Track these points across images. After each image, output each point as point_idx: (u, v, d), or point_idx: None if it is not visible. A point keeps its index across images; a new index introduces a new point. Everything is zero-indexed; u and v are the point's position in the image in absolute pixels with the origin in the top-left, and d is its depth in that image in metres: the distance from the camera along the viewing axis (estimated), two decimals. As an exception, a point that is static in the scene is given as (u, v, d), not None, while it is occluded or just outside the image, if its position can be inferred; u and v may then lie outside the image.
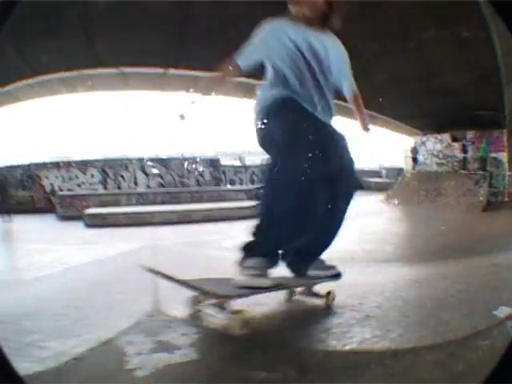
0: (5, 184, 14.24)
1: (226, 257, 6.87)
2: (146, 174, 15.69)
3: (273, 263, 2.54)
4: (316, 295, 2.74)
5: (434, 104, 12.50)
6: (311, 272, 2.63)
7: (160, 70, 13.39)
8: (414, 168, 16.67)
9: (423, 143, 16.27)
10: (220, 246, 7.71)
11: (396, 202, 14.34)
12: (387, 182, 18.02)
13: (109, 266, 6.78)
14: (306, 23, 2.47)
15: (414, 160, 16.59)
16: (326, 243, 2.69)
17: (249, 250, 2.47)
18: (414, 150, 16.56)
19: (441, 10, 8.75)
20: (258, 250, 2.45)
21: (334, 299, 2.67)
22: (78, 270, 6.25)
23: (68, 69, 12.99)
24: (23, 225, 11.67)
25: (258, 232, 2.50)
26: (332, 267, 2.67)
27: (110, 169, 15.65)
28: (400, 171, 17.65)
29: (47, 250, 8.34)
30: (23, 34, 9.85)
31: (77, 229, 11.41)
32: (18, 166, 15.87)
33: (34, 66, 12.44)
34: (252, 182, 16.23)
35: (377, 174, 20.02)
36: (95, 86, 14.48)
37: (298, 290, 2.83)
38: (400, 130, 16.94)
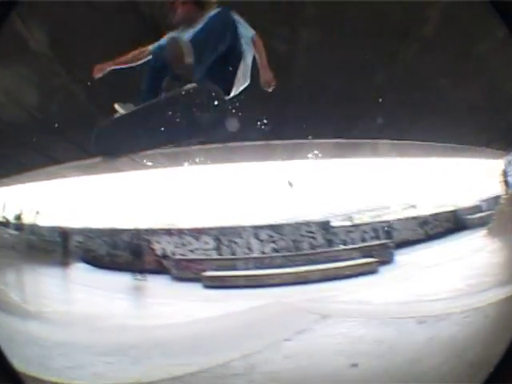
0: (140, 245, 15.90)
1: (342, 308, 7.27)
2: (260, 240, 16.07)
3: None
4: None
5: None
6: None
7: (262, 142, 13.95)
8: (506, 192, 15.09)
9: (510, 162, 14.86)
10: (336, 300, 8.30)
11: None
12: (488, 215, 16.98)
13: (237, 319, 7.61)
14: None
15: (506, 183, 15.01)
16: None
17: None
18: (504, 173, 14.98)
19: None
20: None
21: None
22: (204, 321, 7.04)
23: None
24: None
25: None
26: None
27: (223, 236, 16.29)
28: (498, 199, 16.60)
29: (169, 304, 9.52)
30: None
31: (195, 289, 12.36)
32: (127, 230, 17.43)
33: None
34: (363, 240, 16.21)
35: (478, 208, 18.95)
36: (197, 160, 15.72)
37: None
38: (483, 155, 15.86)
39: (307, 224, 16.28)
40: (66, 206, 17.60)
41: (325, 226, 16.32)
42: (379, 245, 14.53)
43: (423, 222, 16.66)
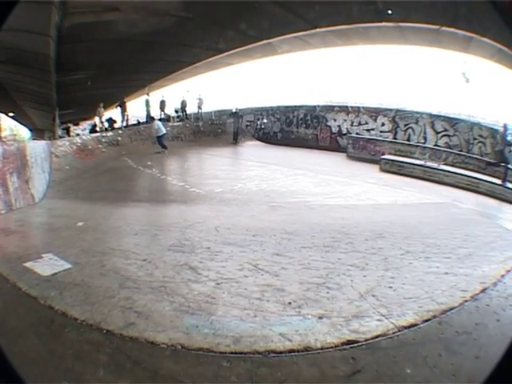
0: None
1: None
2: (436, 132, 15.21)
3: None
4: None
5: None
6: None
7: (435, 27, 12.43)
8: None
9: None
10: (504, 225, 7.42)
11: None
12: None
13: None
14: None
15: None
16: None
17: None
18: None
19: None
20: None
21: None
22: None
23: (347, 22, 13.19)
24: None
25: None
26: None
27: (400, 120, 15.74)
28: None
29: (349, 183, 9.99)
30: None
31: (372, 171, 12.52)
32: (301, 107, 17.59)
33: (307, 19, 13.09)
34: None
35: None
36: (371, 38, 14.53)
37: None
38: None
39: (480, 126, 14.57)
40: (229, 91, 18.54)
41: (494, 134, 13.97)
42: None
43: None
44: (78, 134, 16.37)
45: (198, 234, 5.05)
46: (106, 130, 15.55)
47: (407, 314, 2.95)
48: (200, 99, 18.29)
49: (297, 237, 4.91)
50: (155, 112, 17.12)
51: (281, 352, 2.53)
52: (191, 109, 18.31)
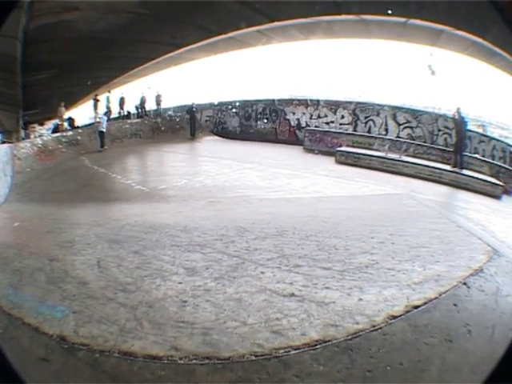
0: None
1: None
2: (398, 124, 15.27)
3: None
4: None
5: None
6: None
7: (401, 20, 12.50)
8: None
9: None
10: (467, 215, 7.58)
11: None
12: None
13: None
14: None
15: None
16: None
17: None
18: None
19: None
20: None
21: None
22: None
23: (307, 15, 13.28)
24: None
25: None
26: None
27: (361, 112, 15.78)
28: None
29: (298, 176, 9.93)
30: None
31: (327, 163, 12.39)
32: (260, 101, 17.65)
33: (267, 14, 13.19)
34: (493, 157, 13.99)
35: None
36: (335, 33, 14.62)
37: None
38: None
39: (445, 117, 14.65)
40: (192, 87, 18.48)
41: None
42: (506, 169, 12.86)
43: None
44: (40, 135, 16.15)
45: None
46: (67, 129, 15.41)
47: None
48: (158, 95, 18.10)
49: (188, 234, 4.79)
50: (115, 109, 17.00)
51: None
52: (151, 105, 18.19)
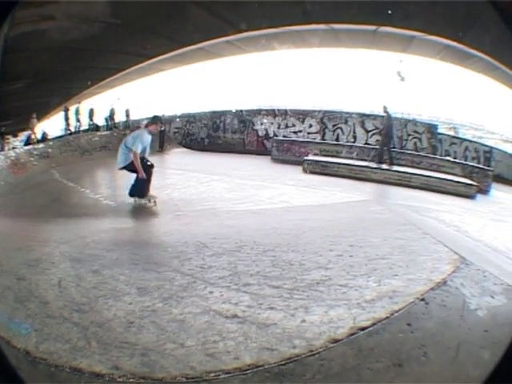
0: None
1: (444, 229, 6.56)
2: (366, 131, 15.63)
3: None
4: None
5: None
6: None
7: (371, 28, 12.99)
8: None
9: None
10: (438, 217, 7.79)
11: None
12: None
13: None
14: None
15: None
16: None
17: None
18: None
19: None
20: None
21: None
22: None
23: (276, 25, 13.57)
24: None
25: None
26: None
27: (328, 121, 16.10)
28: None
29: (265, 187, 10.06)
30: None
31: (295, 173, 12.53)
32: (229, 112, 17.84)
33: (236, 24, 13.44)
34: (465, 158, 14.71)
35: None
36: (304, 42, 14.94)
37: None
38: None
39: (415, 122, 15.48)
40: (161, 98, 18.52)
41: (431, 129, 14.87)
42: (480, 169, 13.43)
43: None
44: (14, 147, 15.94)
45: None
46: (38, 141, 15.28)
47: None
48: (112, 109, 17.98)
49: (147, 251, 4.96)
50: (85, 121, 16.95)
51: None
52: (120, 117, 18.14)
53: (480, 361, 2.21)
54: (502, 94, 14.03)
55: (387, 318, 2.77)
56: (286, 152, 14.81)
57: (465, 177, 12.43)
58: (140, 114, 18.30)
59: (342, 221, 6.87)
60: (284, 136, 16.24)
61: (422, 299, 3.03)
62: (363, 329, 2.63)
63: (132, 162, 7.88)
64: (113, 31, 12.56)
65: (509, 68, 11.72)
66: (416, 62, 15.14)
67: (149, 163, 8.44)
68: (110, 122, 17.82)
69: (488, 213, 9.56)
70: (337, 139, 15.73)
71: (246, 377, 2.19)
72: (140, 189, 8.32)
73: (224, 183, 10.29)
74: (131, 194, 8.44)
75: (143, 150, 8.19)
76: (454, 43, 12.26)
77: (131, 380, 2.15)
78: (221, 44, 15.21)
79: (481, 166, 13.77)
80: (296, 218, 7.20)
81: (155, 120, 8.69)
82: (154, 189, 9.15)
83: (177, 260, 4.40)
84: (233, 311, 2.94)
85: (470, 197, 11.10)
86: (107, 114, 17.79)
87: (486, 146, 15.44)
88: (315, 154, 14.01)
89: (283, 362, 2.29)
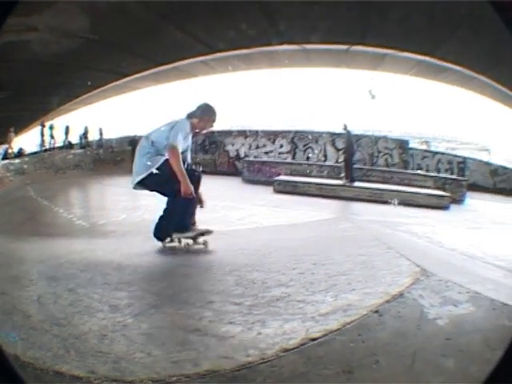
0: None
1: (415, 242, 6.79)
2: (337, 149, 16.06)
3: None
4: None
5: None
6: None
7: (343, 47, 13.47)
8: None
9: None
10: (410, 230, 8.17)
11: None
12: None
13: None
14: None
15: None
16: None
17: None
18: None
19: None
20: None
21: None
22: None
23: (249, 46, 14.05)
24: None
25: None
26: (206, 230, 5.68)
27: (299, 140, 16.53)
28: None
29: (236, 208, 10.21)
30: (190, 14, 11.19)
31: (266, 193, 12.91)
32: (199, 132, 18.09)
33: (208, 44, 13.90)
34: (438, 170, 15.26)
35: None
36: (277, 62, 15.44)
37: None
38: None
39: (386, 139, 15.91)
40: (135, 117, 18.78)
41: (402, 145, 15.55)
42: (453, 180, 13.67)
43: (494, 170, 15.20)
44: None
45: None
46: (15, 156, 15.33)
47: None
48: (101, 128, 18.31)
49: (120, 272, 4.96)
50: (60, 137, 17.07)
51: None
52: (94, 136, 18.34)
53: (441, 369, 2.27)
54: (478, 103, 14.82)
55: (339, 329, 2.90)
56: (257, 172, 15.18)
57: (437, 188, 12.96)
58: (113, 133, 18.59)
59: (310, 240, 7.00)
60: (255, 156, 16.67)
61: (376, 311, 3.13)
62: (314, 339, 2.78)
63: (165, 166, 4.64)
64: (91, 47, 12.94)
65: (487, 77, 12.35)
66: (388, 78, 15.65)
67: (196, 173, 5.27)
68: (83, 140, 17.96)
69: (463, 221, 9.99)
70: (307, 158, 16.26)
71: (204, 380, 2.45)
72: (180, 215, 5.10)
73: (194, 204, 10.49)
74: (162, 232, 5.43)
75: (184, 151, 5.06)
76: (427, 58, 12.83)
77: (105, 382, 2.55)
78: (195, 64, 15.61)
79: (454, 176, 14.32)
80: (265, 238, 7.44)
81: (206, 111, 5.35)
82: (127, 209, 9.16)
83: (146, 281, 4.73)
84: (196, 326, 3.22)
85: (443, 208, 11.59)
86: (81, 131, 17.95)
87: (458, 156, 16.09)
88: (286, 174, 14.41)
89: (238, 369, 2.51)
